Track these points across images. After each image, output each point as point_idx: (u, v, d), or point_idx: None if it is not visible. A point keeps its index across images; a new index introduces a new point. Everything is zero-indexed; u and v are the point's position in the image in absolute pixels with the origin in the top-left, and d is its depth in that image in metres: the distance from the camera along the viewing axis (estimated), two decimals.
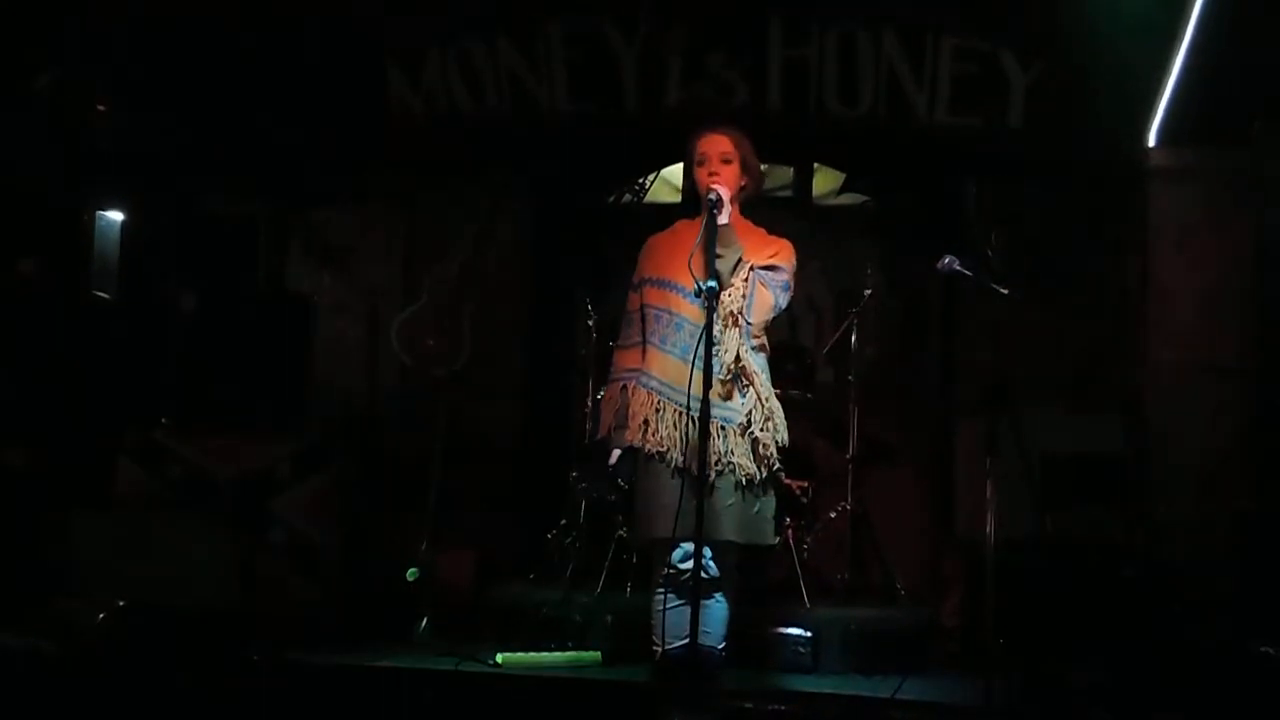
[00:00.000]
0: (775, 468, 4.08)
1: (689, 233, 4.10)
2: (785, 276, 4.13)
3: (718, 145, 4.11)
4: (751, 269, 4.04)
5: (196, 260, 6.47)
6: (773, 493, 4.13)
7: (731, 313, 3.99)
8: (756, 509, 4.03)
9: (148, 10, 6.18)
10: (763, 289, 4.05)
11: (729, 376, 3.99)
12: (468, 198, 6.70)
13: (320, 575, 5.65)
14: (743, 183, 4.12)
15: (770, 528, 4.13)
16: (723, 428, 3.97)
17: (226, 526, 5.39)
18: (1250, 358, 5.32)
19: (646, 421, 4.02)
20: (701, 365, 3.75)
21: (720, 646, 4.08)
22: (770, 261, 4.10)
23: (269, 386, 5.95)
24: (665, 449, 3.97)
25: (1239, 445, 5.35)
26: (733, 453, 3.96)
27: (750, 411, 4.04)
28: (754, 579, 5.43)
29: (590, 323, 6.27)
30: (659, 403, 4.03)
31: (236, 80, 6.42)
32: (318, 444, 5.78)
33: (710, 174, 4.06)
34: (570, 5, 6.36)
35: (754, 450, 4.02)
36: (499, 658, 5.06)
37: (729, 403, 4.01)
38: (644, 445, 4.02)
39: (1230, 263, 5.76)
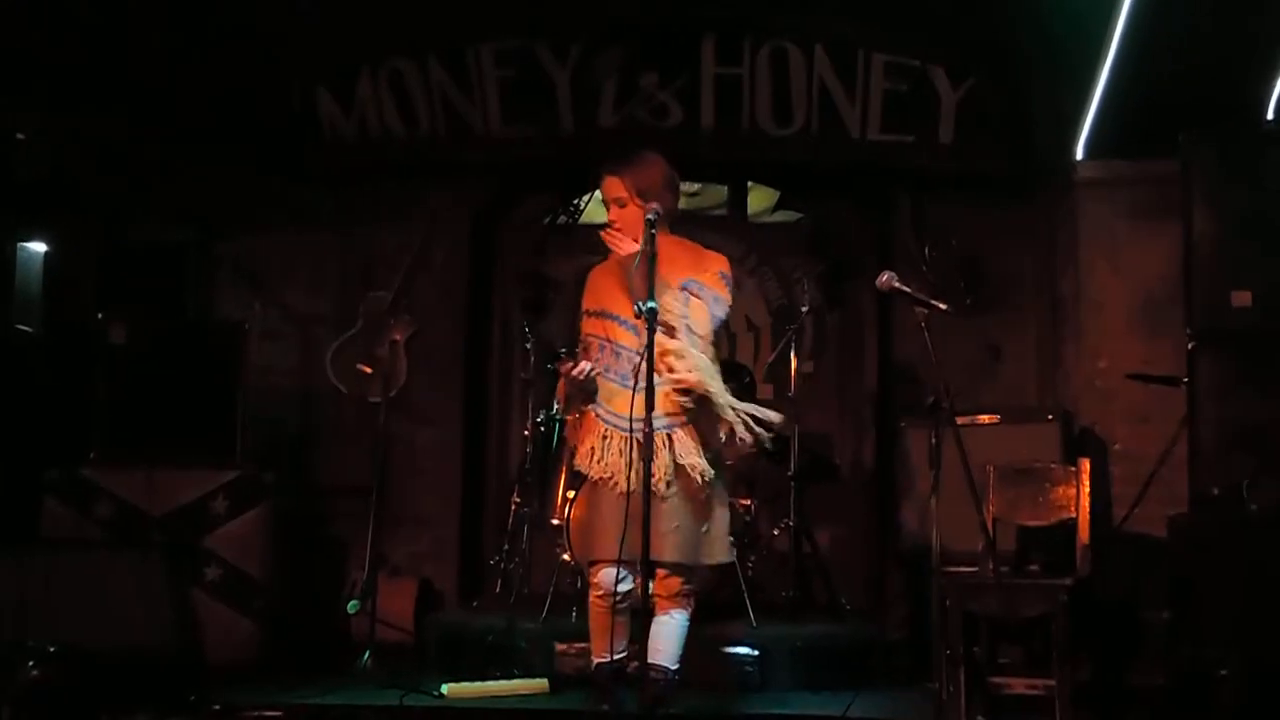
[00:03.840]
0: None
1: (619, 259, 4.15)
2: (715, 289, 4.13)
3: (610, 189, 4.16)
4: (683, 288, 4.06)
5: (123, 290, 6.34)
6: (722, 510, 4.13)
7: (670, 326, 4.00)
8: (705, 529, 4.03)
9: (69, 35, 6.05)
10: (697, 302, 4.07)
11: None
12: (401, 221, 6.65)
13: (258, 611, 5.54)
14: (651, 210, 4.05)
15: (722, 545, 4.13)
16: (669, 436, 3.97)
17: (159, 564, 5.26)
18: (1180, 364, 5.38)
19: (593, 449, 4.08)
20: (643, 387, 3.73)
21: (675, 667, 4.05)
22: (694, 277, 4.11)
23: (200, 418, 5.82)
24: (610, 475, 4.00)
25: (1172, 451, 5.41)
26: (681, 456, 3.96)
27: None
28: (701, 598, 5.42)
29: (528, 345, 6.22)
30: (605, 430, 4.08)
31: (164, 104, 6.32)
32: (252, 476, 5.67)
33: (612, 217, 4.14)
34: (502, 27, 6.33)
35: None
36: (444, 689, 4.99)
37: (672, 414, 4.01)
38: (590, 472, 4.06)
39: (1159, 272, 5.84)
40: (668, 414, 3.99)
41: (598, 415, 4.11)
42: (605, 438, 4.06)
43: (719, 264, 4.18)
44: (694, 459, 3.99)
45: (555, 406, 4.43)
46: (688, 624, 4.09)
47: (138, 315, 6.00)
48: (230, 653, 5.41)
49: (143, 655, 4.84)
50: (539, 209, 7.02)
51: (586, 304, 4.28)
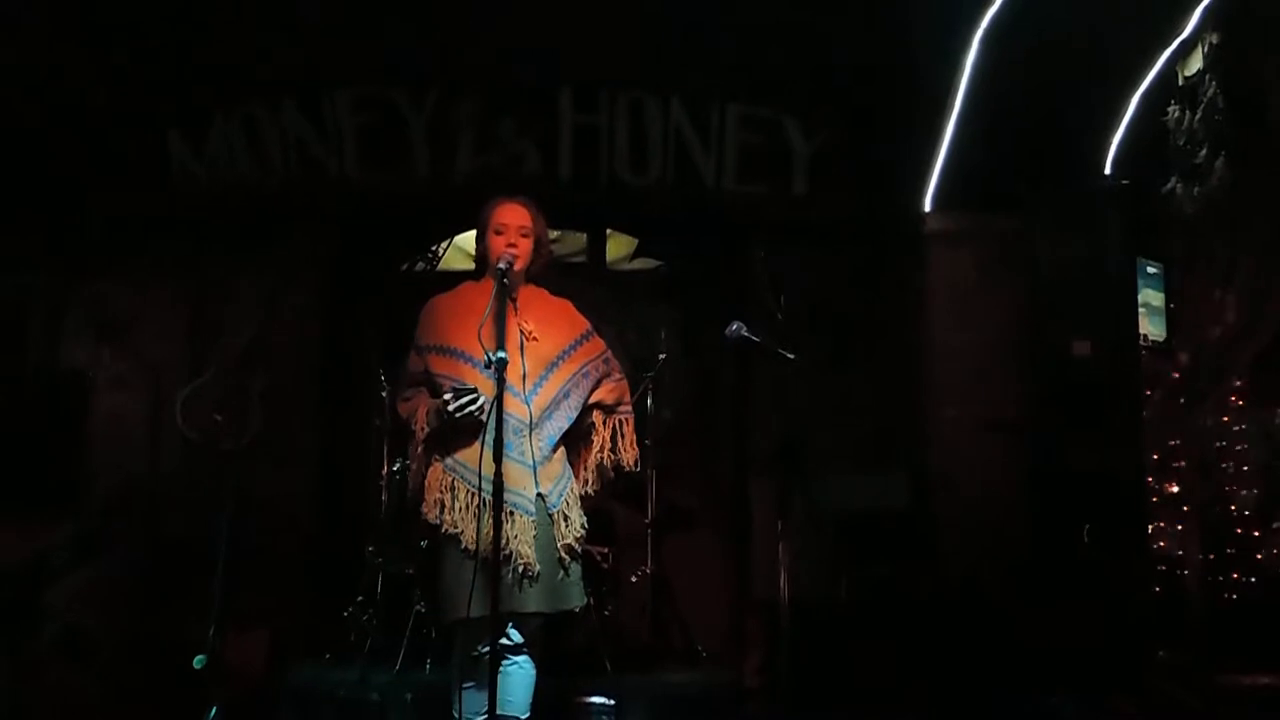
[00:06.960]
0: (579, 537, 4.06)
1: (473, 295, 4.06)
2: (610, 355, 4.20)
3: (518, 217, 4.07)
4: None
5: None
6: (578, 558, 4.09)
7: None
8: (560, 576, 3.98)
9: None
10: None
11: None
12: (255, 267, 6.53)
13: (100, 669, 5.35)
14: (533, 257, 4.11)
15: (578, 590, 4.06)
16: (511, 513, 3.88)
17: None
18: (1024, 412, 5.57)
19: (441, 502, 3.92)
20: (506, 442, 3.69)
21: (524, 717, 3.99)
22: (599, 355, 4.15)
23: (42, 469, 5.62)
24: (459, 530, 3.87)
25: (1017, 496, 5.58)
26: (520, 538, 3.88)
27: (565, 495, 4.03)
28: (556, 647, 5.38)
29: (384, 394, 6.14)
30: (453, 482, 3.93)
31: (9, 144, 6.13)
32: (96, 528, 5.49)
33: (509, 244, 4.02)
34: (358, 72, 6.30)
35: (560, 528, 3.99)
36: None
37: (526, 490, 3.93)
38: (440, 525, 3.92)
39: (1003, 322, 6.05)
40: (519, 490, 3.92)
41: (445, 465, 3.94)
42: (453, 490, 3.90)
43: (582, 319, 4.21)
44: (527, 549, 3.88)
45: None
46: (534, 670, 4.04)
47: None
48: (70, 713, 5.21)
49: None
50: (396, 255, 6.96)
51: (429, 338, 4.06)
